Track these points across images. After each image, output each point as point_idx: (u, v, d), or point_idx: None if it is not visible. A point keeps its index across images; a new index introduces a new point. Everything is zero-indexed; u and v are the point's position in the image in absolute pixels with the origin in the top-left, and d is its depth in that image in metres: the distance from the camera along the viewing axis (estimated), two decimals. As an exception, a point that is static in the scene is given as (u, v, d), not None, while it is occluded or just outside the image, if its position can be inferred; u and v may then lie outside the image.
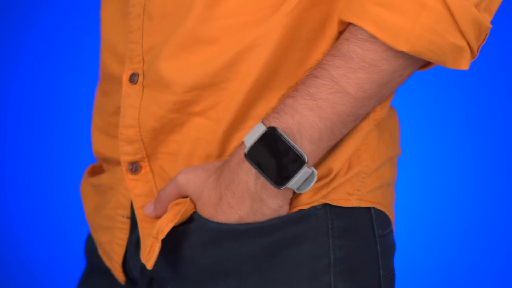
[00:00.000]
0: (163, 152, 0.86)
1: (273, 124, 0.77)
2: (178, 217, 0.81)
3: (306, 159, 0.75)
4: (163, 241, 0.82)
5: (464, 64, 0.76)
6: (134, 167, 0.87)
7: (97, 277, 0.99)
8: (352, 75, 0.75)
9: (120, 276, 0.93)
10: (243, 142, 0.79)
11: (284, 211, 0.80)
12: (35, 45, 2.15)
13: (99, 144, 0.96)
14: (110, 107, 0.91)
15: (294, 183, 0.76)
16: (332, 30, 0.80)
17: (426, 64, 0.80)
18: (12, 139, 2.14)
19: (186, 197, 0.84)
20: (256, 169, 0.76)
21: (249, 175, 0.78)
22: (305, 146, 0.76)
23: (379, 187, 0.85)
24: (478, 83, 2.00)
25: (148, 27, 0.84)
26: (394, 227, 0.90)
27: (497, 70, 2.07)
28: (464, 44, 0.74)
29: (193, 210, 0.82)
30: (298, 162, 0.76)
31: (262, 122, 0.78)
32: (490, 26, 0.76)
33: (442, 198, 2.12)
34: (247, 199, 0.79)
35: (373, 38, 0.74)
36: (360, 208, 0.83)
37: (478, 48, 0.77)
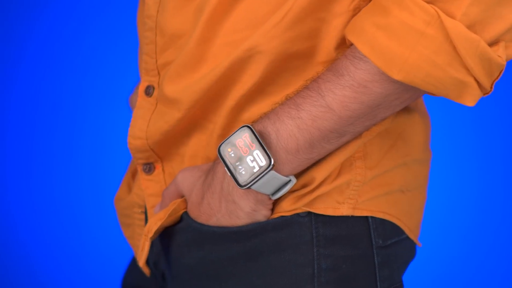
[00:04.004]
0: (175, 153, 0.87)
1: (255, 126, 0.76)
2: (166, 216, 0.82)
3: (272, 162, 0.73)
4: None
5: (469, 100, 0.70)
6: (148, 167, 0.88)
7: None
8: (339, 92, 0.72)
9: (145, 269, 0.95)
10: None
11: (261, 216, 0.78)
12: (36, 45, 2.15)
13: None
14: None
15: (259, 185, 0.75)
16: (329, 36, 0.77)
17: None
18: (13, 139, 2.16)
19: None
20: (224, 165, 0.76)
21: (224, 174, 0.77)
22: (280, 154, 0.74)
23: (384, 194, 0.81)
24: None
25: (161, 43, 0.85)
26: (414, 234, 0.86)
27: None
28: (470, 79, 0.69)
29: (184, 210, 0.83)
30: (265, 164, 0.74)
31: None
32: (503, 63, 0.70)
33: (450, 200, 2.06)
34: (222, 200, 0.78)
35: (367, 58, 0.71)
36: (354, 217, 0.79)
37: (492, 84, 0.71)
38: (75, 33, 2.14)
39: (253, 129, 0.74)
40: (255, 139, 0.74)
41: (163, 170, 0.88)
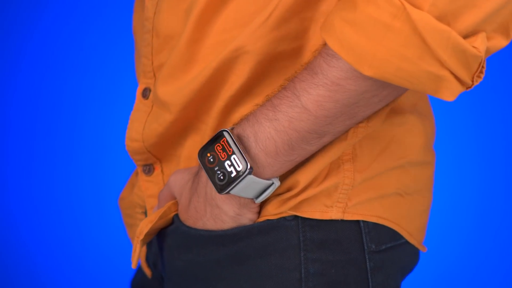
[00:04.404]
0: (173, 154, 0.87)
1: (234, 129, 0.75)
2: (156, 218, 0.81)
3: (249, 167, 0.72)
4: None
5: (448, 95, 0.67)
6: (148, 168, 0.88)
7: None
8: (313, 91, 0.70)
9: (146, 271, 0.95)
10: None
11: (246, 219, 0.77)
12: (36, 45, 2.15)
13: None
14: None
15: (239, 190, 0.73)
16: (316, 37, 0.76)
17: None
18: (13, 139, 2.16)
19: None
20: (204, 170, 0.75)
21: (208, 179, 0.77)
22: (259, 157, 0.73)
23: (378, 197, 0.79)
24: (486, 84, 1.95)
25: (156, 44, 0.85)
26: (416, 239, 0.84)
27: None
28: (445, 73, 0.66)
29: (175, 212, 0.83)
30: (242, 169, 0.73)
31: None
32: (480, 54, 0.66)
33: (449, 200, 2.03)
34: (207, 205, 0.77)
35: (338, 54, 0.69)
36: (344, 221, 0.78)
37: (472, 78, 0.68)
38: (75, 35, 2.15)
39: (230, 133, 0.74)
40: (233, 143, 0.73)
41: (162, 171, 0.88)
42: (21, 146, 2.16)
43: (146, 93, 0.86)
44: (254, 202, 0.77)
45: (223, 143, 0.74)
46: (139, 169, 0.89)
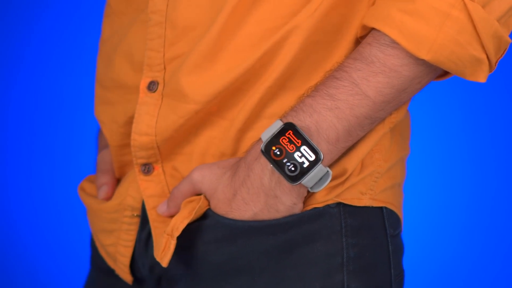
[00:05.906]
0: (178, 153, 0.86)
1: (291, 121, 0.78)
2: (192, 214, 0.81)
3: (322, 156, 0.76)
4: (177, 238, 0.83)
5: (482, 77, 0.77)
6: (147, 168, 0.87)
7: (100, 277, 0.99)
8: (372, 78, 0.76)
9: (127, 277, 0.93)
10: (260, 139, 0.79)
11: (298, 208, 0.80)
12: (36, 45, 2.14)
13: (112, 152, 0.95)
14: (120, 117, 0.91)
15: (308, 180, 0.77)
16: (350, 33, 0.81)
17: (443, 74, 0.81)
18: (13, 140, 2.12)
19: (199, 194, 0.84)
20: (271, 164, 0.77)
21: (264, 170, 0.78)
22: (321, 145, 0.77)
23: (391, 187, 0.85)
24: (482, 84, 2.00)
25: (171, 36, 0.84)
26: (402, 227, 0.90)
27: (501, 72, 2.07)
28: (484, 56, 0.75)
29: (208, 207, 0.83)
30: (315, 159, 0.76)
31: (280, 119, 0.78)
32: (510, 40, 0.77)
33: (444, 198, 2.11)
34: (261, 195, 0.79)
35: (395, 44, 0.75)
36: (372, 207, 0.83)
37: (496, 62, 0.78)
38: (74, 34, 2.10)
39: (296, 125, 0.77)
40: (300, 135, 0.76)
41: (163, 170, 0.87)
42: (21, 146, 2.04)
43: (153, 86, 0.85)
44: (308, 191, 0.80)
45: (289, 135, 0.76)
46: (137, 168, 0.87)
